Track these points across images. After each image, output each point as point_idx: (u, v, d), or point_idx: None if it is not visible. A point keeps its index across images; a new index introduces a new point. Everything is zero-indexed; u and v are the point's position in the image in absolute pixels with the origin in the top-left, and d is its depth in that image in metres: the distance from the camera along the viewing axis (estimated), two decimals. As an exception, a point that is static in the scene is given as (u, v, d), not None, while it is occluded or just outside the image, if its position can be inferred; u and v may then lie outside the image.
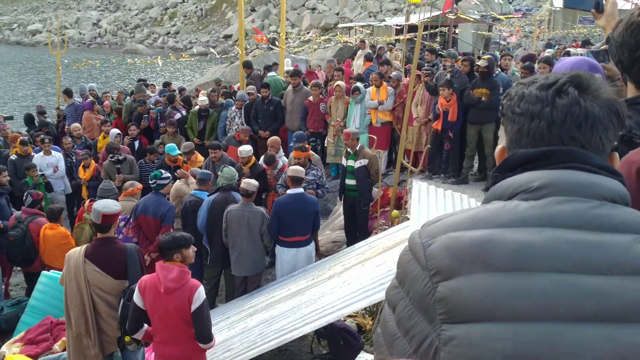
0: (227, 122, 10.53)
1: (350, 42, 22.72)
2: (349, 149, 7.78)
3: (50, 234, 6.80)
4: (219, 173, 7.06)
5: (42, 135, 9.87)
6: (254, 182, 6.54)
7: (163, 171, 7.15)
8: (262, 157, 8.22)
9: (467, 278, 1.08)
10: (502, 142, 1.31)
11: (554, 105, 1.17)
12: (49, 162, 9.40)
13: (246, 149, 7.97)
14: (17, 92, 32.67)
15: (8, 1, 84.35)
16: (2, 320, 6.58)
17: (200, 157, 8.87)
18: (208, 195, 6.90)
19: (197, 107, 10.90)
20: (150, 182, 6.93)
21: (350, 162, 7.68)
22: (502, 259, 1.07)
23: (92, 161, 9.57)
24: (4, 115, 11.97)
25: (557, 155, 1.16)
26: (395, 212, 7.42)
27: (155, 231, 6.64)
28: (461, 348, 1.07)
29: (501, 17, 22.66)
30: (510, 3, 34.46)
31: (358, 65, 15.52)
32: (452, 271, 1.10)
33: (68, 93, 12.34)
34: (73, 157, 9.95)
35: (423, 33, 8.05)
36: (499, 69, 9.06)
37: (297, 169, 6.58)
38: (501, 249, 1.08)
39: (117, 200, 7.29)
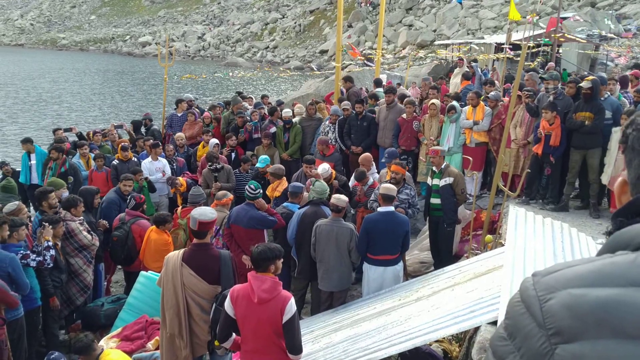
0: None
1: (445, 60, 22.40)
2: (434, 167, 7.66)
3: (154, 237, 7.14)
4: (310, 187, 7.15)
5: (151, 141, 10.45)
6: (344, 198, 6.56)
7: (256, 184, 7.34)
8: (353, 174, 8.25)
9: (592, 343, 0.94)
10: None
11: None
12: (157, 166, 9.97)
13: (320, 170, 7.98)
14: (129, 100, 34.90)
15: (122, 14, 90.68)
16: (102, 315, 6.98)
17: (285, 184, 8.84)
18: (299, 208, 7.02)
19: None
20: (251, 190, 7.11)
21: (435, 181, 7.54)
22: (635, 325, 0.92)
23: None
24: (115, 124, 12.80)
25: None
26: (488, 236, 7.18)
27: (247, 241, 6.82)
28: None
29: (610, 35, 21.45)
30: (620, 23, 32.55)
31: (454, 83, 15.23)
32: (575, 334, 0.96)
33: (180, 102, 12.92)
34: (174, 164, 10.46)
35: (526, 52, 7.78)
36: (608, 93, 8.56)
37: (389, 187, 6.53)
38: (634, 312, 0.93)
39: (206, 204, 7.61)
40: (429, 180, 7.82)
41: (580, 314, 0.96)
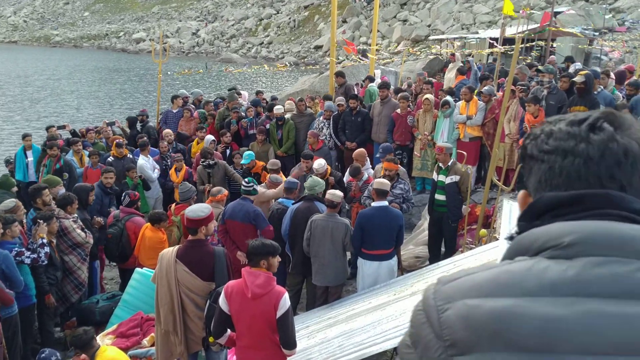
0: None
1: (440, 55, 22.40)
2: (440, 164, 7.65)
3: (149, 235, 7.13)
4: (304, 183, 7.16)
5: (140, 140, 10.42)
6: (339, 193, 6.57)
7: (250, 178, 7.37)
8: (347, 169, 8.25)
9: (485, 356, 0.94)
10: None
11: (588, 141, 1.04)
12: (153, 164, 9.96)
13: (316, 166, 8.00)
14: (124, 97, 34.78)
15: (116, 11, 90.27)
16: (97, 312, 6.97)
17: (284, 178, 8.85)
18: (293, 204, 7.02)
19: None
20: (245, 183, 7.13)
21: (441, 177, 7.54)
22: (527, 337, 0.92)
23: (184, 165, 10.01)
24: (107, 121, 12.75)
25: (591, 201, 1.01)
26: (483, 231, 7.20)
27: (242, 236, 6.82)
28: None
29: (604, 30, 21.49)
30: (614, 17, 32.59)
31: (449, 78, 15.25)
32: (469, 346, 0.96)
33: (175, 98, 12.85)
34: (168, 160, 10.44)
35: (519, 46, 7.79)
36: (601, 87, 8.59)
37: (382, 182, 6.54)
38: (526, 325, 0.93)
39: (201, 200, 7.61)
40: (434, 176, 7.83)
41: (474, 326, 0.96)
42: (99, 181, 8.37)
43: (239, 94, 13.98)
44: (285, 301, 4.06)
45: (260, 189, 7.63)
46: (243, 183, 7.13)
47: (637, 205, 1.02)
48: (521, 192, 1.19)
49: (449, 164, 7.51)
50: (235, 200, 7.32)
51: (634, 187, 1.04)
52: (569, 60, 14.75)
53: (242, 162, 9.40)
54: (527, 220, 1.09)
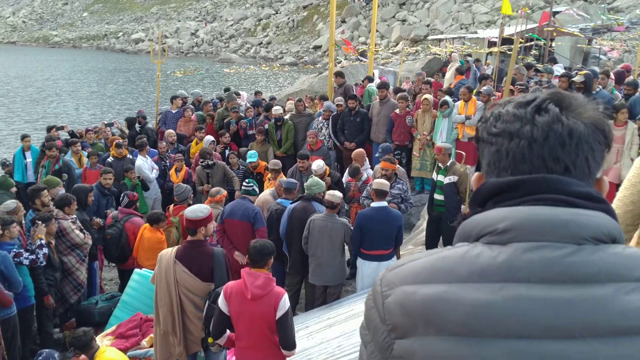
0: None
1: (439, 55, 22.40)
2: (439, 164, 7.65)
3: (147, 235, 7.12)
4: (305, 184, 7.16)
5: (138, 141, 10.42)
6: (339, 194, 6.57)
7: (249, 179, 7.40)
8: (347, 170, 8.26)
9: (420, 340, 1.00)
10: None
11: (533, 123, 1.05)
12: (152, 164, 9.96)
13: (315, 167, 8.00)
14: (124, 98, 34.77)
15: (115, 11, 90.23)
16: (96, 313, 6.97)
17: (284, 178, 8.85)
18: (290, 204, 7.04)
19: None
20: (246, 184, 7.16)
21: (440, 178, 7.54)
22: (456, 323, 0.97)
23: (184, 165, 10.00)
24: (105, 122, 12.75)
25: (528, 185, 1.03)
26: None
27: (241, 235, 6.82)
28: None
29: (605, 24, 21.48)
30: (606, 17, 32.60)
31: (447, 79, 15.25)
32: (406, 330, 1.03)
33: (174, 99, 12.83)
34: (167, 161, 10.44)
35: (518, 46, 7.80)
36: (599, 87, 8.59)
37: (381, 182, 6.54)
38: (455, 310, 0.98)
39: (200, 201, 7.61)
40: (434, 176, 7.83)
41: (410, 312, 1.02)
42: (97, 182, 8.36)
43: (238, 94, 13.98)
44: (285, 302, 4.06)
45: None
46: (244, 183, 7.16)
47: (576, 187, 1.02)
48: (476, 174, 1.20)
49: (448, 164, 7.50)
50: (235, 200, 7.34)
51: (578, 168, 1.04)
52: (552, 61, 14.74)
53: (249, 159, 9.37)
54: (472, 206, 1.12)
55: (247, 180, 7.31)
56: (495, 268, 0.99)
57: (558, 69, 13.29)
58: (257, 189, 7.31)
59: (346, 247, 6.82)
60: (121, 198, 7.76)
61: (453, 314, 0.98)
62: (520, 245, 0.99)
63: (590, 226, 0.99)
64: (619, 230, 1.03)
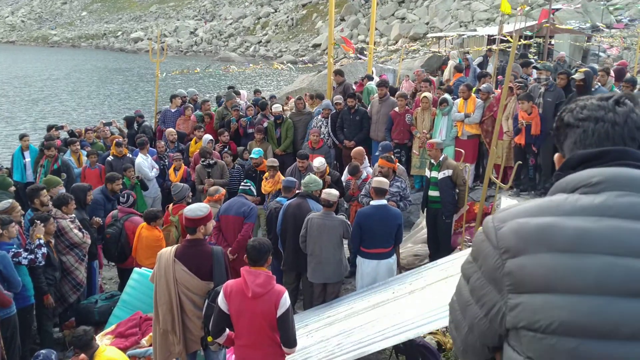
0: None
1: (439, 52, 22.36)
2: (432, 160, 7.67)
3: (145, 234, 7.12)
4: (302, 181, 7.16)
5: (138, 139, 10.41)
6: (335, 192, 6.58)
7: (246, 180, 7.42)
8: (346, 168, 8.25)
9: (531, 257, 1.31)
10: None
11: (615, 111, 1.42)
12: (152, 163, 9.96)
13: (317, 164, 8.00)
14: (124, 97, 34.72)
15: (114, 10, 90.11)
16: (96, 313, 6.97)
17: (282, 177, 8.80)
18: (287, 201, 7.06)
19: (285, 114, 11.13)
20: (244, 183, 7.18)
21: (434, 174, 7.57)
22: (563, 242, 1.28)
23: (183, 164, 9.99)
24: (104, 122, 12.73)
25: (612, 154, 1.37)
26: (481, 228, 7.20)
27: (234, 231, 6.83)
28: (525, 313, 1.30)
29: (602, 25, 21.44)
30: (611, 13, 32.55)
31: (445, 76, 15.23)
32: (519, 250, 1.32)
33: (173, 98, 12.80)
34: (165, 160, 10.43)
35: (517, 44, 7.78)
36: (598, 84, 8.58)
37: (381, 181, 6.54)
38: (562, 233, 1.29)
39: (199, 200, 7.62)
40: (427, 173, 7.84)
41: (523, 236, 1.33)
42: (103, 187, 8.28)
43: (237, 93, 13.95)
44: (286, 300, 4.06)
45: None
46: (241, 183, 7.19)
47: None
48: (557, 155, 1.57)
49: (440, 159, 7.53)
50: (232, 198, 7.36)
51: None
52: (523, 57, 14.71)
53: (253, 156, 9.32)
54: (564, 171, 1.44)
55: (245, 180, 7.33)
56: (594, 206, 1.31)
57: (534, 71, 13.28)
58: (254, 189, 7.32)
59: (345, 246, 6.83)
60: (125, 198, 7.70)
61: (562, 236, 1.29)
62: (612, 193, 1.32)
63: None
64: None
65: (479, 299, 1.41)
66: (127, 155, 9.98)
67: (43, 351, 4.87)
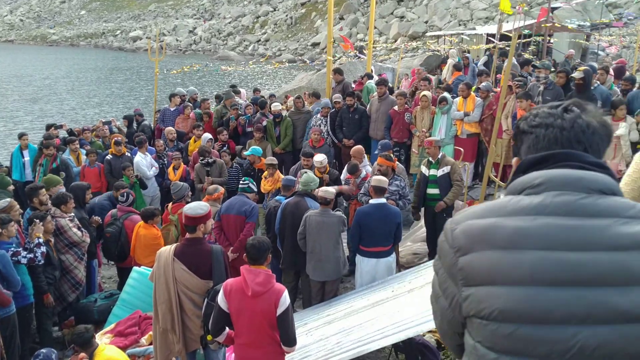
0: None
1: (438, 51, 22.36)
2: (430, 158, 7.69)
3: (143, 233, 7.12)
4: (300, 180, 7.16)
5: (137, 138, 10.41)
6: (332, 190, 6.59)
7: (254, 182, 7.40)
8: (345, 166, 8.26)
9: (477, 254, 1.49)
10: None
11: (563, 118, 1.57)
12: (151, 161, 9.95)
13: (319, 158, 8.01)
14: (123, 96, 34.70)
15: (113, 9, 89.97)
16: (95, 312, 6.96)
17: (281, 175, 8.70)
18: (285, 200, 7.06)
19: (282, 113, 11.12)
20: (242, 182, 7.18)
21: (433, 172, 7.58)
22: (502, 240, 1.47)
23: (182, 163, 9.99)
24: (103, 120, 12.72)
25: (556, 157, 1.53)
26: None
27: (236, 230, 6.83)
28: (473, 303, 1.49)
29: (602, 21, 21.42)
30: (610, 12, 32.55)
31: (445, 75, 15.20)
32: (467, 249, 1.51)
33: (173, 97, 12.77)
34: (164, 159, 10.42)
35: (516, 42, 7.79)
36: (597, 82, 8.58)
37: (380, 179, 6.54)
38: (502, 232, 1.47)
39: (198, 198, 7.61)
40: (425, 171, 7.85)
41: (471, 236, 1.52)
42: (110, 193, 8.25)
43: (237, 92, 13.94)
44: (286, 299, 4.06)
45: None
46: (240, 182, 7.20)
47: (589, 159, 1.52)
48: (514, 159, 1.71)
49: (439, 157, 7.55)
50: (233, 197, 7.35)
51: (593, 148, 1.55)
52: (503, 55, 14.60)
53: (246, 153, 9.38)
54: (517, 174, 1.59)
55: (244, 178, 7.32)
56: (532, 206, 1.47)
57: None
58: (253, 186, 7.28)
59: (344, 244, 6.83)
60: (125, 196, 7.69)
61: (501, 234, 1.47)
62: (550, 193, 1.48)
63: (597, 182, 1.48)
64: (618, 188, 1.51)
65: (444, 291, 1.61)
66: (126, 154, 9.97)
67: (43, 350, 4.87)
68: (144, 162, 9.79)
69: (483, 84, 9.99)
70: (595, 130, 1.55)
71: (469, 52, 19.32)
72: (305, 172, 7.24)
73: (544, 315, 1.40)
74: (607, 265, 1.39)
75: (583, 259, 1.40)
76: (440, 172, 7.49)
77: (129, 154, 10.03)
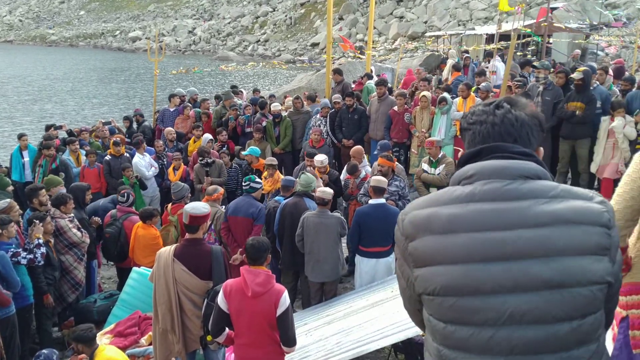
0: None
1: (437, 51, 22.37)
2: (431, 158, 7.78)
3: (141, 233, 7.13)
4: (296, 180, 7.15)
5: (135, 139, 10.40)
6: (329, 191, 6.59)
7: (256, 177, 7.36)
8: (345, 167, 8.26)
9: (421, 240, 1.71)
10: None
11: (494, 114, 1.75)
12: (150, 161, 9.94)
13: (321, 158, 8.01)
14: (123, 96, 34.69)
15: (112, 9, 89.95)
16: (95, 312, 6.96)
17: (281, 176, 8.67)
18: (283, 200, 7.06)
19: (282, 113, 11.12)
20: (243, 184, 7.14)
21: (432, 170, 7.70)
22: (439, 226, 1.68)
23: (182, 164, 9.99)
24: (103, 121, 12.72)
25: (487, 150, 1.73)
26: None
27: (244, 232, 6.81)
28: (422, 282, 1.70)
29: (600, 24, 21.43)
30: (610, 12, 32.57)
31: (444, 75, 15.21)
32: (414, 235, 1.73)
33: (172, 97, 12.76)
34: (164, 159, 10.42)
35: (515, 42, 7.81)
36: (597, 83, 8.58)
37: (379, 179, 6.55)
38: (439, 219, 1.68)
39: (197, 199, 7.59)
40: (423, 166, 7.96)
41: (415, 224, 1.74)
42: (114, 197, 8.24)
43: (237, 93, 13.93)
44: (285, 299, 4.07)
45: None
46: (253, 179, 7.17)
47: (516, 149, 1.71)
48: (461, 152, 1.97)
49: (440, 156, 7.68)
50: (238, 198, 7.32)
51: (522, 140, 1.73)
52: (489, 55, 14.63)
53: (243, 153, 9.39)
54: (458, 167, 1.79)
55: (244, 179, 7.29)
56: (464, 195, 1.68)
57: (497, 65, 13.31)
58: (255, 184, 7.14)
59: (344, 244, 6.83)
60: (125, 196, 7.68)
61: (438, 221, 1.68)
62: (480, 182, 1.68)
63: (520, 169, 1.66)
64: (544, 172, 1.68)
65: (402, 273, 1.81)
66: (125, 154, 9.96)
67: (45, 351, 4.87)
68: (142, 162, 9.80)
69: (483, 84, 10.00)
70: (524, 122, 1.74)
71: (468, 53, 19.30)
72: (304, 173, 7.24)
73: (477, 288, 1.60)
74: (530, 241, 1.58)
75: (508, 237, 1.59)
76: (438, 171, 7.60)
77: (127, 155, 10.02)
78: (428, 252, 1.68)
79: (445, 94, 9.94)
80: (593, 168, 7.92)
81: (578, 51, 18.01)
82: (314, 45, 55.73)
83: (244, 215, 6.86)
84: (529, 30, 17.11)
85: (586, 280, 1.58)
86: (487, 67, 13.32)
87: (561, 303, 1.57)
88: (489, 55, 14.70)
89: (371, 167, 8.75)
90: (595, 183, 8.27)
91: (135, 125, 12.64)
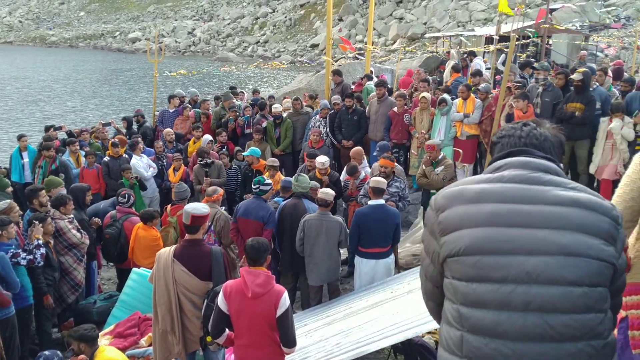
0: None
1: (437, 52, 22.39)
2: (431, 160, 7.80)
3: (142, 234, 7.12)
4: (294, 181, 7.10)
5: (132, 140, 10.39)
6: (331, 192, 6.58)
7: (266, 178, 7.30)
8: (344, 168, 8.26)
9: (451, 209, 1.99)
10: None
11: (521, 130, 2.11)
12: (148, 162, 9.94)
13: (322, 160, 8.00)
14: (123, 97, 34.68)
15: (112, 10, 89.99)
16: (94, 313, 6.96)
17: (282, 177, 8.55)
18: (282, 201, 7.04)
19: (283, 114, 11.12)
20: (253, 187, 7.04)
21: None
22: (469, 196, 1.98)
23: (182, 165, 9.98)
24: (102, 122, 12.71)
25: (514, 153, 2.06)
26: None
27: (254, 235, 6.75)
28: (448, 246, 1.96)
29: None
30: (609, 13, 32.58)
31: (445, 76, 15.21)
32: (445, 207, 2.02)
33: (172, 98, 12.75)
34: (164, 160, 10.41)
35: (514, 43, 7.82)
36: (596, 84, 8.59)
37: (379, 180, 6.55)
38: (470, 191, 1.99)
39: (197, 200, 7.57)
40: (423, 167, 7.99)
41: (447, 197, 2.04)
42: (115, 199, 8.23)
43: (237, 94, 13.93)
44: (285, 300, 4.06)
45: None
46: (263, 182, 6.99)
47: (539, 153, 2.04)
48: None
49: (439, 157, 7.74)
50: (249, 199, 7.25)
51: (545, 151, 2.06)
52: (472, 54, 14.61)
53: (244, 153, 9.39)
54: (491, 163, 2.13)
55: (253, 181, 7.12)
56: (493, 177, 2.02)
57: (479, 63, 13.35)
58: (264, 187, 6.92)
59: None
60: (125, 197, 7.67)
61: (469, 193, 2.00)
62: (508, 170, 2.01)
63: (543, 165, 1.99)
64: (562, 173, 2.01)
65: (427, 250, 2.08)
66: (124, 155, 9.96)
67: (46, 352, 4.86)
68: (140, 163, 9.79)
69: (482, 85, 10.01)
70: (547, 138, 2.07)
71: (474, 54, 19.27)
72: (300, 175, 7.20)
73: (499, 247, 1.86)
74: (550, 214, 1.86)
75: (531, 210, 1.88)
76: (437, 172, 7.66)
77: (126, 156, 10.01)
78: (457, 218, 1.95)
79: (445, 95, 9.94)
80: (592, 169, 7.92)
81: (584, 52, 18.00)
82: (314, 46, 55.78)
83: (255, 218, 6.77)
84: (531, 30, 17.13)
85: (595, 255, 1.83)
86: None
87: (574, 268, 1.81)
88: (471, 54, 14.65)
89: (370, 168, 8.76)
90: (595, 184, 8.27)
91: (135, 126, 12.63)
